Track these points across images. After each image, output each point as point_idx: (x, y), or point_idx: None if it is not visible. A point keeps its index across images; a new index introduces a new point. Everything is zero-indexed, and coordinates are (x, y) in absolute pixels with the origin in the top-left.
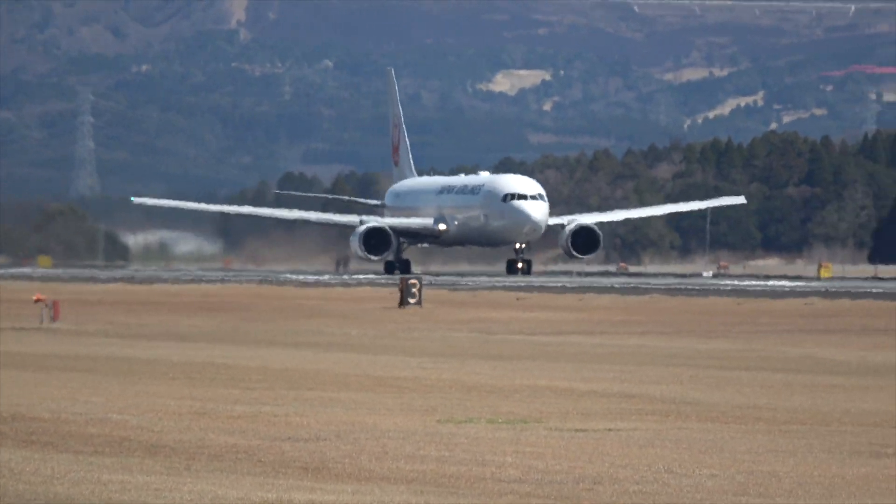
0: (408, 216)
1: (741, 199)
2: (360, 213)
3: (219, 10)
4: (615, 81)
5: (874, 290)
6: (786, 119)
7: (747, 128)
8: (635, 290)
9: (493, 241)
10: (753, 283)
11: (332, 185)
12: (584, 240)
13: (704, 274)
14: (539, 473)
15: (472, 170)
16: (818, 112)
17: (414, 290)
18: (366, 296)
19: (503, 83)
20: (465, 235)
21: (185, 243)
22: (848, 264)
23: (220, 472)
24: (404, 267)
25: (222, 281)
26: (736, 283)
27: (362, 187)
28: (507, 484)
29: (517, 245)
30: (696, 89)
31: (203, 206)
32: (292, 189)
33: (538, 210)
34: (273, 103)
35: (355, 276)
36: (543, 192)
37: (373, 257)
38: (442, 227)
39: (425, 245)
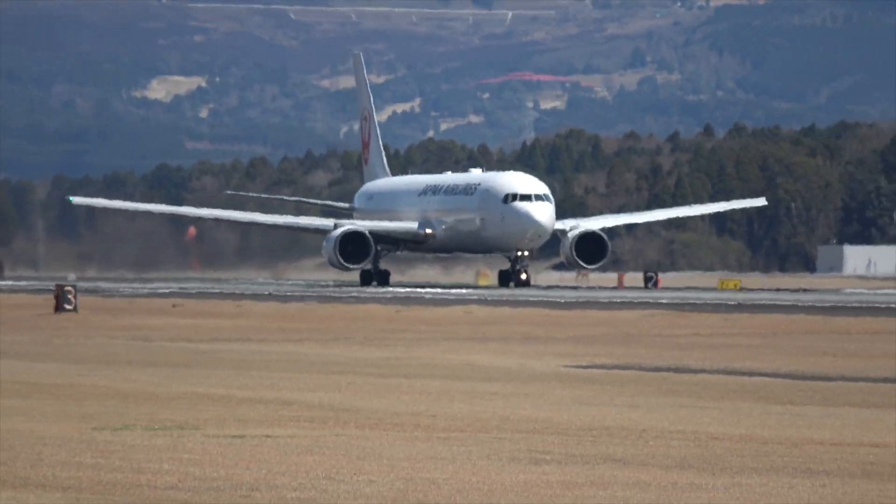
0: (389, 220)
1: (762, 201)
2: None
3: None
4: (272, 88)
5: (532, 299)
6: (443, 126)
7: (405, 135)
8: (292, 298)
9: (488, 248)
10: (416, 290)
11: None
12: (591, 247)
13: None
14: (196, 480)
15: (127, 176)
16: (476, 119)
17: (70, 296)
18: (21, 302)
19: (159, 90)
20: (455, 241)
21: None
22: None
23: None
24: (383, 278)
25: None
26: (397, 290)
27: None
28: (163, 491)
29: (519, 253)
30: (352, 96)
31: (152, 206)
32: None
33: (544, 212)
34: None
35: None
36: (549, 192)
37: (350, 266)
38: (428, 231)
39: (402, 253)
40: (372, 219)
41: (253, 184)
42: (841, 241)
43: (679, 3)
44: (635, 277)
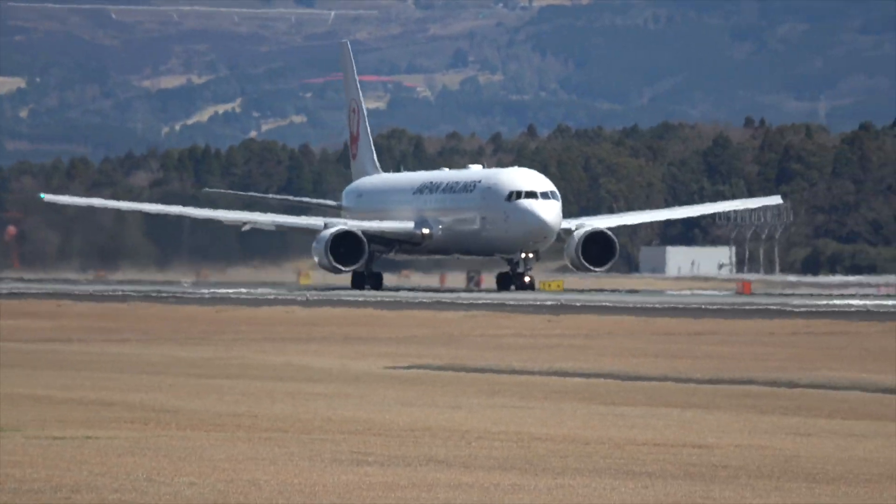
0: (381, 219)
1: (777, 199)
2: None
3: None
4: (92, 89)
5: (359, 299)
6: (265, 126)
7: (226, 135)
8: (113, 297)
9: (490, 250)
10: (237, 291)
11: None
12: (599, 248)
13: (184, 283)
14: (16, 482)
15: None
16: (298, 119)
17: None
18: None
19: None
20: (454, 242)
21: None
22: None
23: None
24: (376, 281)
25: None
26: (215, 291)
27: None
28: None
29: (523, 255)
30: (174, 96)
31: (125, 204)
32: None
33: (550, 211)
34: None
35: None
36: (555, 189)
37: (342, 268)
38: (425, 231)
39: (391, 255)
40: (363, 218)
41: (73, 184)
42: (664, 242)
43: (502, 4)
44: (458, 277)
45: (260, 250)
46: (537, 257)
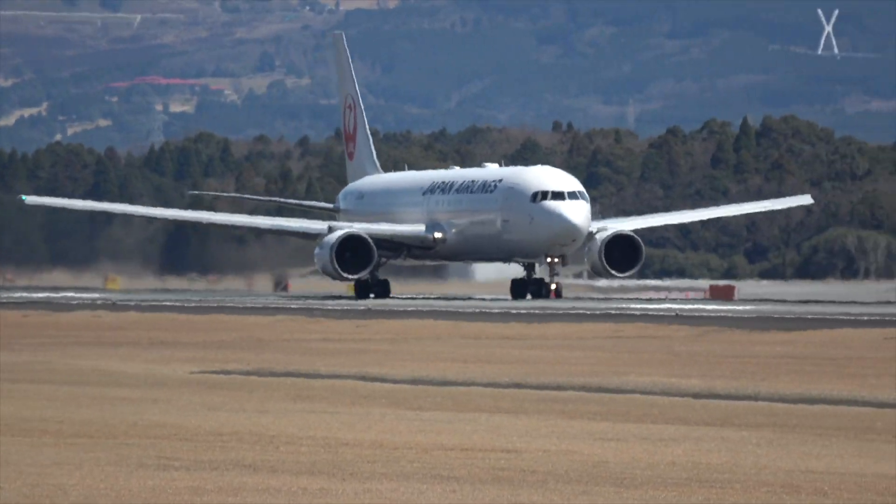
0: (386, 222)
1: (808, 199)
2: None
3: None
4: None
5: (167, 303)
6: (71, 131)
7: (32, 139)
8: None
9: (510, 254)
10: (47, 295)
11: None
12: (622, 252)
13: None
14: None
15: None
16: (104, 123)
17: None
18: None
19: None
20: (470, 247)
21: None
22: (136, 278)
23: None
24: (382, 289)
25: None
26: (22, 294)
27: None
28: None
29: (549, 259)
30: None
31: (116, 206)
32: None
33: (579, 213)
34: None
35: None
36: (584, 190)
37: (348, 276)
38: (437, 235)
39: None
40: (365, 221)
41: None
42: None
43: (309, 8)
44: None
45: (68, 254)
46: (563, 262)
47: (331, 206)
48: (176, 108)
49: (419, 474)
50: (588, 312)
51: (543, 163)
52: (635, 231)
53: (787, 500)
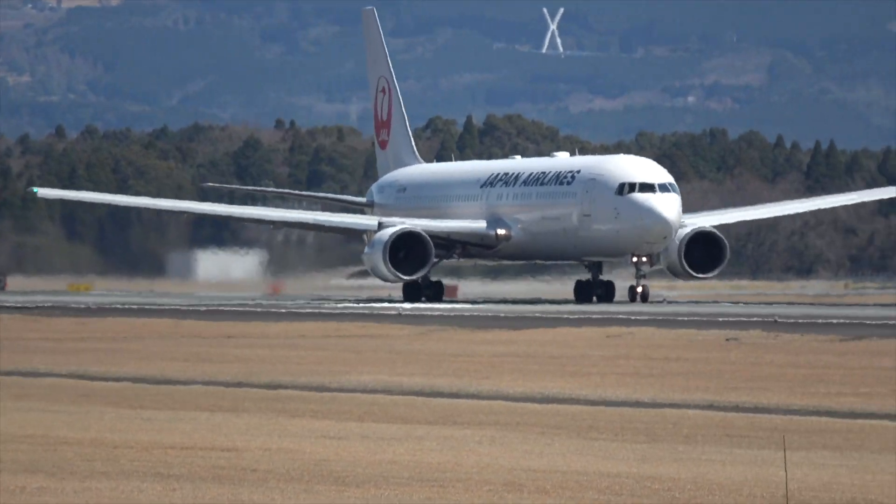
0: (434, 217)
1: (892, 191)
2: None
3: None
4: None
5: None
6: None
7: None
8: None
9: (587, 252)
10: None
11: None
12: (704, 251)
13: None
14: None
15: None
16: None
17: None
18: None
19: None
20: (540, 245)
21: None
22: None
23: None
24: (436, 292)
25: None
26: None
27: None
28: None
29: (635, 259)
30: None
31: (134, 199)
32: None
33: (671, 206)
34: None
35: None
36: (674, 181)
37: (403, 276)
38: (500, 232)
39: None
40: (408, 217)
41: None
42: (192, 246)
43: (30, 5)
44: None
45: None
46: (651, 262)
47: (362, 199)
48: None
49: (139, 472)
50: (314, 311)
51: (265, 161)
52: (715, 227)
53: (509, 498)
